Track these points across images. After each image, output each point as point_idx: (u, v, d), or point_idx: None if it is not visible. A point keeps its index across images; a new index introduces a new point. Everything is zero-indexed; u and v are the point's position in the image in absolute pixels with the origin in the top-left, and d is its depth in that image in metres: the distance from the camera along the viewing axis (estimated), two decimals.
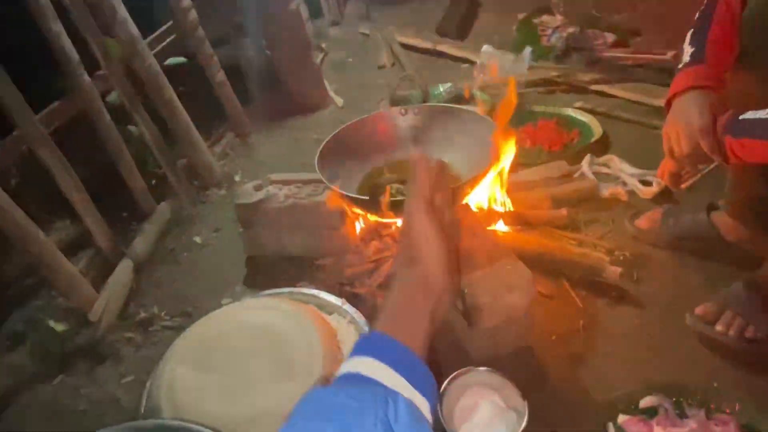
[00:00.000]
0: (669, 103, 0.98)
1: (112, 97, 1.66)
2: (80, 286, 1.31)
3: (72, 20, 1.42)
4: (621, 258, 1.22)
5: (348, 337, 0.93)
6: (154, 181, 1.74)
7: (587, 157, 1.53)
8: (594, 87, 1.89)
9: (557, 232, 1.31)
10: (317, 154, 1.20)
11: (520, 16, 2.43)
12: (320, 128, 1.97)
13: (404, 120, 1.36)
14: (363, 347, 0.49)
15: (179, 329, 1.10)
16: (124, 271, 1.44)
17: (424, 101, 1.89)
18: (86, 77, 1.46)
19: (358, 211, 1.24)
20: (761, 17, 0.91)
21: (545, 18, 2.36)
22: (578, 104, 1.81)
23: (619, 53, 2.03)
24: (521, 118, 1.75)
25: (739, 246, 1.15)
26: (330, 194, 1.21)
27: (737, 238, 1.14)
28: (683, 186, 1.07)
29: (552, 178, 1.48)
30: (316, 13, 2.64)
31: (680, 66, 0.99)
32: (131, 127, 1.69)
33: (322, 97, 2.14)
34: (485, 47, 2.06)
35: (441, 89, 2.01)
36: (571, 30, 2.18)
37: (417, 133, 1.33)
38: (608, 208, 1.39)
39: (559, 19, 2.32)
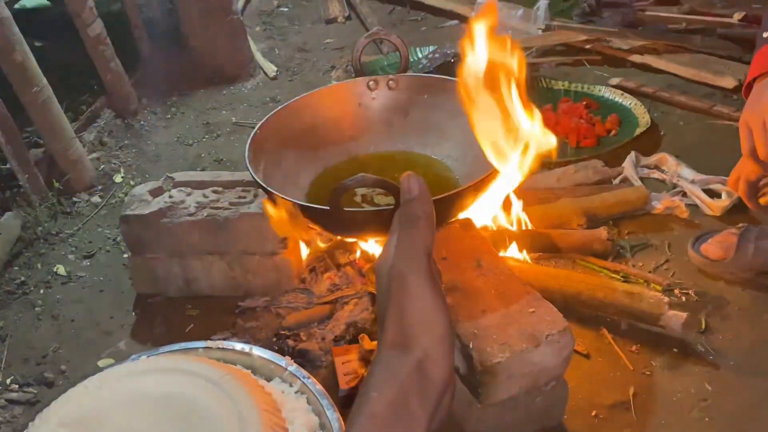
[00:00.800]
0: (749, 88, 1.04)
1: None
2: None
3: None
4: (684, 299, 1.25)
5: (297, 414, 0.90)
6: None
7: (631, 156, 1.58)
8: (636, 58, 1.97)
9: (594, 262, 1.34)
10: (248, 144, 1.17)
11: None
12: (242, 107, 1.98)
13: (372, 97, 1.35)
14: None
15: (33, 406, 1.05)
16: None
17: (404, 70, 1.91)
18: None
19: (311, 227, 1.23)
20: None
21: None
22: (615, 81, 1.88)
23: (668, 12, 2.13)
24: (540, 96, 1.80)
25: None
26: (267, 203, 1.18)
27: None
28: (764, 200, 1.11)
29: (584, 185, 1.52)
30: None
31: (765, 35, 1.06)
32: None
33: (245, 62, 2.15)
34: None
35: (420, 54, 2.05)
36: None
37: (392, 116, 1.33)
38: (663, 229, 1.44)
39: None
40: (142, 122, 2.00)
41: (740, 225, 1.35)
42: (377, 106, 1.36)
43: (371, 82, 1.36)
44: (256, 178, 1.13)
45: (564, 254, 1.35)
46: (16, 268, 1.55)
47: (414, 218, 0.58)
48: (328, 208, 1.01)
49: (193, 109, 2.05)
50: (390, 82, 1.37)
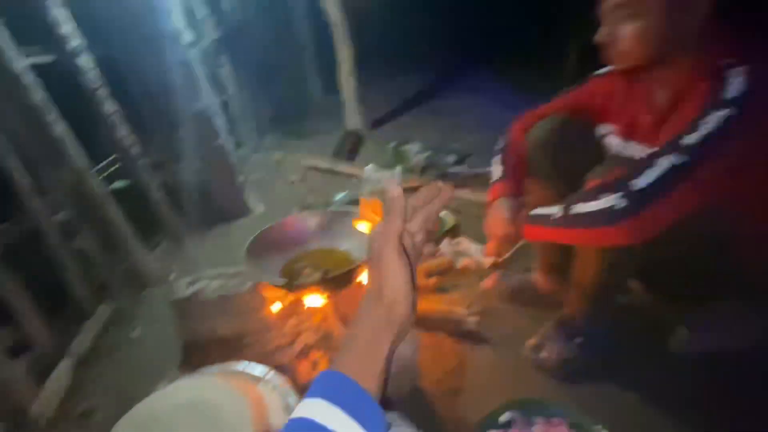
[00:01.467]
0: (489, 205, 1.14)
1: (61, 216, 1.51)
2: (18, 385, 1.10)
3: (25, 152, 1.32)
4: (476, 310, 1.29)
5: (273, 402, 0.88)
6: (96, 285, 1.56)
7: (445, 241, 1.65)
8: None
9: (432, 296, 1.37)
10: (245, 251, 1.18)
11: (392, 144, 2.69)
12: (244, 231, 1.94)
13: (312, 220, 1.39)
14: (318, 388, 0.43)
15: (119, 418, 0.96)
16: (63, 369, 1.24)
17: (326, 206, 1.96)
18: (36, 200, 1.33)
19: (280, 293, 1.22)
20: (533, 148, 1.12)
21: (409, 146, 2.63)
22: None
23: (458, 169, 2.30)
24: None
25: (550, 295, 1.30)
26: (256, 282, 1.18)
27: (547, 290, 1.30)
28: (503, 258, 1.20)
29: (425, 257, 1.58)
30: (239, 143, 2.69)
31: (493, 180, 1.17)
32: (77, 241, 1.54)
33: (245, 207, 2.13)
34: (368, 166, 2.22)
35: (340, 196, 2.11)
36: (427, 153, 2.45)
37: (322, 229, 1.36)
38: (464, 276, 1.49)
39: (418, 146, 2.61)
40: (186, 245, 1.91)
41: (500, 270, 1.43)
42: (314, 225, 1.39)
43: (310, 213, 1.39)
44: (248, 269, 1.13)
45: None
46: (107, 336, 1.43)
47: (390, 211, 0.50)
48: (285, 281, 1.02)
49: (216, 235, 1.98)
50: (320, 213, 1.40)
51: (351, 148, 2.70)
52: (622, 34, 0.83)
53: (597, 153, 1.04)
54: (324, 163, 2.51)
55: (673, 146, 0.76)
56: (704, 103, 0.76)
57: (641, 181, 0.75)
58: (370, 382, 0.44)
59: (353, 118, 2.94)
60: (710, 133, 0.73)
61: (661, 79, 0.89)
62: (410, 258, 0.49)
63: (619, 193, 0.77)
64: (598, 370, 1.08)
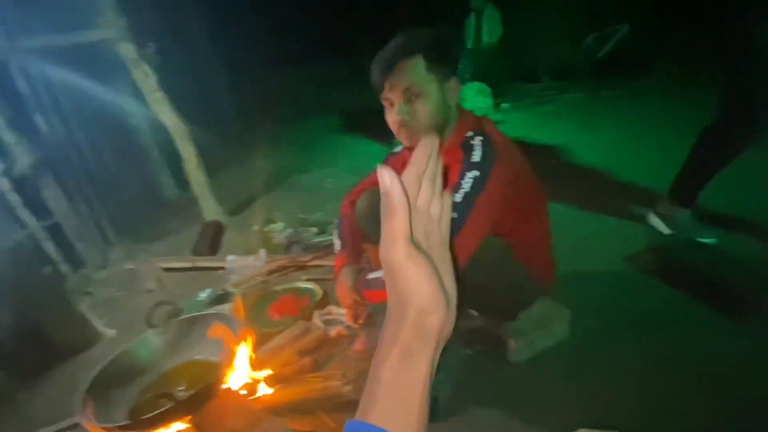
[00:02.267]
0: (335, 276, 1.19)
1: None
2: None
3: None
4: (351, 377, 1.27)
5: None
6: None
7: (316, 313, 1.64)
8: (311, 263, 2.11)
9: (307, 377, 1.32)
10: (83, 395, 1.00)
11: (255, 228, 2.64)
12: (92, 365, 1.61)
13: (159, 339, 1.25)
14: None
15: None
16: None
17: (176, 316, 1.78)
18: None
19: None
20: (360, 218, 1.23)
21: (272, 226, 2.62)
22: (305, 277, 1.98)
23: (321, 238, 2.35)
24: (269, 298, 1.83)
25: None
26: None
27: None
28: (360, 321, 1.25)
29: (298, 336, 1.53)
30: (80, 263, 2.34)
31: (335, 252, 1.24)
32: None
33: (92, 335, 1.83)
34: (229, 256, 2.14)
35: (204, 295, 1.95)
36: (289, 231, 2.47)
37: (176, 344, 1.25)
38: (337, 344, 1.47)
39: (281, 225, 2.61)
40: (17, 399, 1.54)
41: (366, 329, 1.48)
42: (166, 341, 1.27)
43: (157, 329, 1.27)
44: (85, 418, 0.96)
45: (291, 379, 1.30)
46: None
47: (389, 209, 0.37)
48: (129, 422, 0.90)
49: (56, 379, 1.63)
50: (166, 326, 1.29)
51: (212, 240, 2.56)
52: (418, 111, 0.97)
53: None
54: (184, 263, 2.32)
55: None
56: (461, 168, 0.95)
57: None
58: (405, 427, 0.35)
59: (210, 209, 2.83)
60: (468, 191, 0.91)
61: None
62: (433, 251, 0.39)
63: None
64: (461, 397, 1.17)
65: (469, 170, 0.93)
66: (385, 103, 1.01)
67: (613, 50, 5.16)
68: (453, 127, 1.04)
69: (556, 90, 5.05)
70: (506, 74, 5.04)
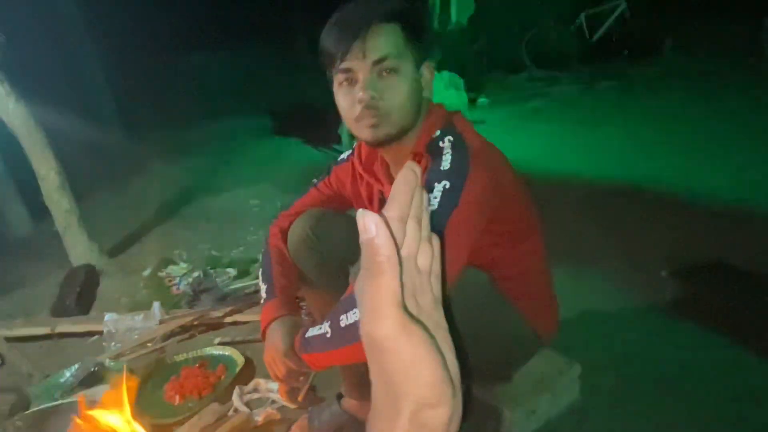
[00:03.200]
0: (262, 335, 1.12)
1: None
2: None
3: None
4: None
5: None
6: None
7: (236, 390, 1.56)
8: (228, 319, 2.02)
9: None
10: None
11: (145, 273, 2.51)
12: None
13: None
14: None
15: None
16: None
17: (22, 409, 1.62)
18: None
19: None
20: (295, 251, 1.19)
21: (170, 269, 2.49)
22: (218, 340, 1.89)
23: (242, 283, 2.28)
24: (167, 373, 1.72)
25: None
26: None
27: (366, 413, 1.32)
28: (300, 398, 1.19)
29: (208, 426, 1.44)
30: None
31: (262, 301, 1.18)
32: None
33: None
34: (108, 315, 2.00)
35: (68, 374, 1.79)
36: (196, 274, 2.36)
37: None
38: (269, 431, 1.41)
39: (183, 267, 2.50)
40: None
41: (309, 409, 1.41)
42: None
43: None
44: None
45: None
46: None
47: (373, 265, 0.35)
48: None
49: None
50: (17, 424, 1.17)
51: (81, 293, 2.39)
52: (387, 90, 0.97)
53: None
54: (38, 328, 2.14)
55: None
56: (428, 177, 0.95)
57: None
58: None
59: (79, 249, 2.65)
60: (436, 209, 0.90)
61: (395, 155, 1.07)
62: (426, 317, 0.38)
63: None
64: None
65: (438, 181, 0.93)
66: (340, 79, 0.99)
67: (610, 32, 5.59)
68: (419, 126, 1.05)
69: (543, 82, 5.36)
70: (482, 62, 5.28)
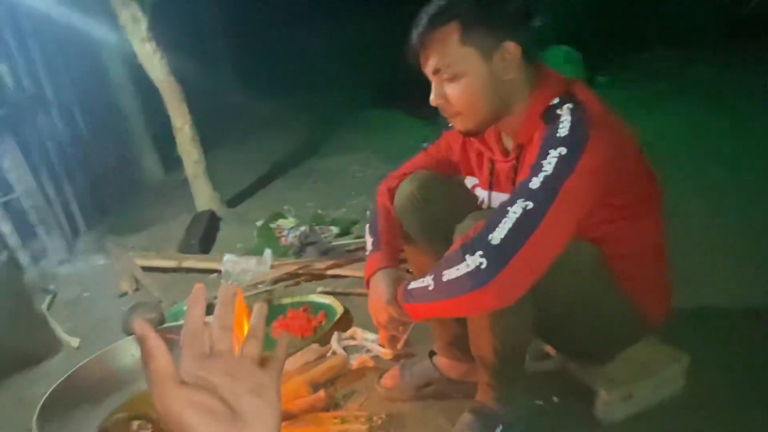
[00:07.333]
0: (367, 284, 1.19)
1: None
2: None
3: None
4: (378, 422, 1.29)
5: None
6: None
7: (335, 335, 1.67)
8: (330, 272, 2.14)
9: (320, 416, 1.34)
10: (36, 413, 1.07)
11: (258, 223, 2.72)
12: (50, 378, 1.68)
13: (139, 350, 1.31)
14: None
15: None
16: None
17: (161, 323, 1.86)
18: None
19: None
20: (400, 210, 1.24)
21: (280, 222, 2.69)
22: (320, 289, 2.02)
23: (344, 241, 2.40)
24: (272, 313, 1.87)
25: (461, 379, 1.36)
26: None
27: (456, 373, 1.37)
28: (399, 346, 1.25)
29: (309, 363, 1.56)
30: (39, 255, 2.49)
31: (367, 253, 1.26)
32: None
33: (50, 343, 1.93)
34: (227, 256, 2.21)
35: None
36: (302, 228, 2.52)
37: None
38: (361, 377, 1.49)
39: (291, 221, 2.68)
40: None
41: (401, 361, 1.49)
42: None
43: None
44: None
45: (299, 416, 1.32)
46: None
47: (146, 360, 0.42)
48: None
49: (4, 393, 1.74)
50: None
51: (204, 235, 2.66)
52: (450, 96, 1.01)
53: (469, 206, 1.19)
54: (167, 261, 2.42)
55: (521, 192, 0.91)
56: (542, 144, 0.95)
57: (497, 235, 0.88)
58: None
59: (204, 196, 2.94)
60: (551, 173, 0.90)
61: (506, 126, 1.08)
62: (207, 381, 0.42)
63: (480, 251, 0.89)
64: None
65: (554, 147, 0.93)
66: None
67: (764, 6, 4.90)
68: (526, 98, 1.03)
69: (674, 61, 4.89)
70: (604, 37, 4.92)
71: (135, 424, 1.08)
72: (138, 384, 1.23)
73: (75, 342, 1.95)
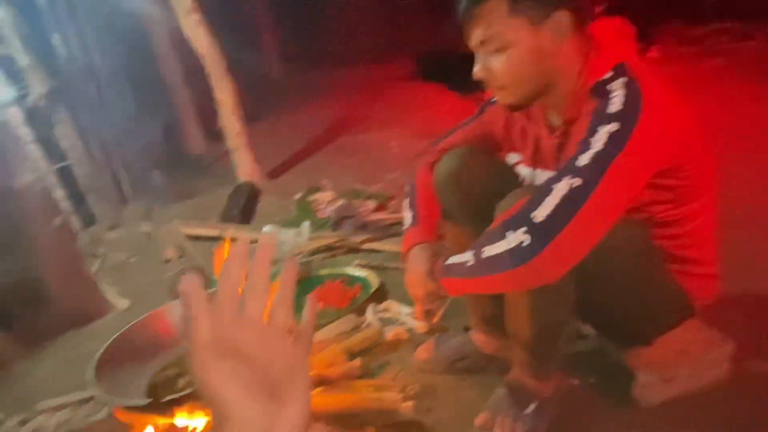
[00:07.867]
0: (404, 258, 1.21)
1: None
2: None
3: None
4: (412, 392, 1.31)
5: None
6: None
7: (370, 307, 1.69)
8: (366, 246, 2.17)
9: (356, 384, 1.37)
10: (93, 366, 1.14)
11: (297, 196, 2.77)
12: (101, 338, 1.80)
13: None
14: None
15: None
16: None
17: (206, 288, 1.92)
18: None
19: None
20: (440, 185, 1.23)
21: (318, 195, 2.72)
22: (356, 262, 2.05)
23: (380, 216, 2.41)
24: (310, 283, 1.92)
25: (495, 355, 1.37)
26: (112, 408, 1.13)
27: (491, 349, 1.37)
28: (435, 320, 1.26)
29: (345, 333, 1.59)
30: (90, 220, 2.61)
31: (405, 228, 1.26)
32: None
33: (100, 304, 2.03)
34: (266, 227, 2.26)
35: None
36: (340, 202, 2.55)
37: None
38: (395, 349, 1.52)
39: (329, 194, 2.71)
40: (16, 370, 1.76)
41: (436, 334, 1.49)
42: None
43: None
44: (98, 390, 1.09)
45: (335, 383, 1.35)
46: None
47: (186, 326, 0.41)
48: (146, 402, 1.00)
49: (58, 349, 1.85)
50: None
51: (245, 206, 2.72)
52: (495, 69, 0.99)
53: (511, 184, 1.18)
54: (210, 230, 2.50)
55: (568, 169, 0.89)
56: (591, 120, 0.92)
57: (541, 212, 0.87)
58: None
59: (246, 168, 3.00)
60: (600, 150, 0.87)
61: (553, 102, 1.05)
62: (243, 352, 0.40)
63: (523, 228, 0.88)
64: None
65: (604, 123, 0.90)
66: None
67: None
68: (575, 71, 1.00)
69: (731, 35, 4.62)
70: (655, 6, 4.68)
71: (181, 381, 1.13)
72: (181, 344, 1.28)
73: (125, 303, 2.05)
